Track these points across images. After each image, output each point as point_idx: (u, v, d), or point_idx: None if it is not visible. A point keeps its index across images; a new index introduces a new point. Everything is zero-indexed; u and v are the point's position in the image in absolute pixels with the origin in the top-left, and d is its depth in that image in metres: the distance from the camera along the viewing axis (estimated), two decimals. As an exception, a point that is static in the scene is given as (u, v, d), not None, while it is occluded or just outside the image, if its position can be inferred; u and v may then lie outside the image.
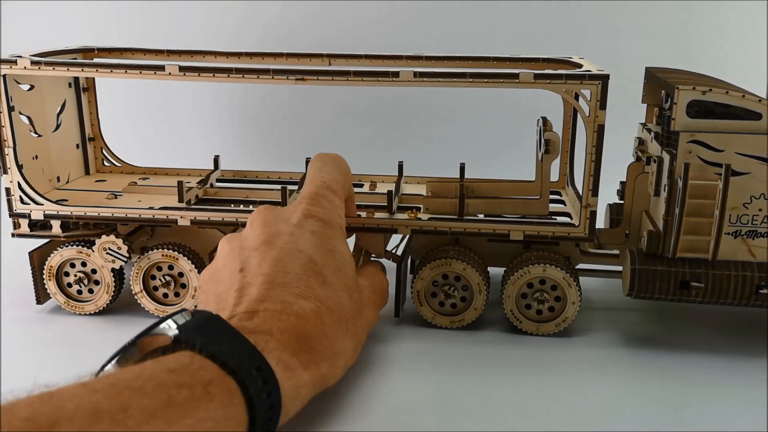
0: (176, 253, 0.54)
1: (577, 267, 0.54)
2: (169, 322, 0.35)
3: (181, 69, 0.51)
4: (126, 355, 0.34)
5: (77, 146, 0.65)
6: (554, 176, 0.62)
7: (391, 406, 0.44)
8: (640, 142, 0.56)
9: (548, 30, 0.92)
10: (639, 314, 0.58)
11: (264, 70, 0.50)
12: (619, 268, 0.54)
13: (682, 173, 0.47)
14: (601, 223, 0.62)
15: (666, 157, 0.48)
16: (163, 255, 0.54)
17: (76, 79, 0.64)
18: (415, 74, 0.49)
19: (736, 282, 0.48)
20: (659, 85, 0.54)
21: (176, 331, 0.34)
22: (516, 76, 0.48)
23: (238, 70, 0.51)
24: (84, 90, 0.65)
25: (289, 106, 0.96)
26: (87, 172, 0.66)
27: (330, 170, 0.48)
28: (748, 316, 0.56)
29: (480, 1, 0.92)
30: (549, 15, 0.92)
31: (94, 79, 0.65)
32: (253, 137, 0.98)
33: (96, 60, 0.61)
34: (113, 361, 0.34)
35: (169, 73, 0.51)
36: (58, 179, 0.62)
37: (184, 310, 0.36)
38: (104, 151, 0.67)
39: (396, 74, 0.49)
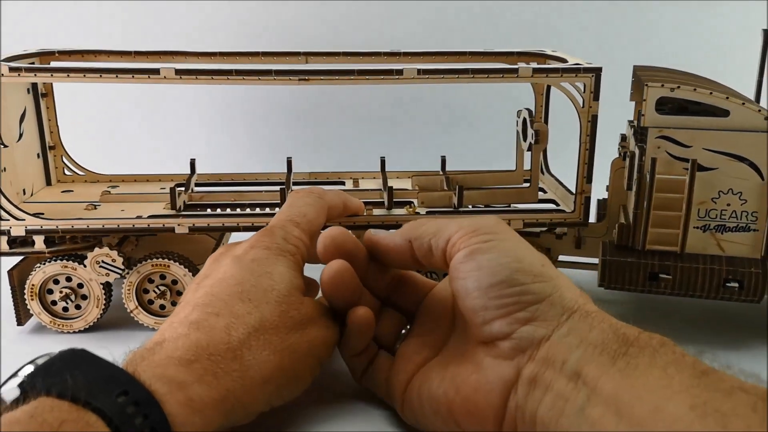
0: (167, 260, 0.53)
1: (558, 259, 0.56)
2: (25, 369, 0.33)
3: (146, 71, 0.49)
4: None
5: (38, 156, 0.61)
6: (527, 165, 0.65)
7: (390, 406, 0.43)
8: (623, 138, 0.59)
9: (548, 30, 0.93)
10: (625, 307, 0.58)
11: (255, 71, 0.50)
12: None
13: (649, 168, 0.49)
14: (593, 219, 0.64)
15: (636, 152, 0.50)
16: (153, 265, 0.53)
17: (34, 84, 0.60)
18: (419, 72, 0.49)
19: (703, 275, 0.49)
20: (639, 82, 0.57)
21: (22, 380, 0.32)
22: (515, 71, 0.50)
23: (209, 71, 0.50)
24: (42, 96, 0.61)
25: (258, 107, 0.94)
26: (48, 183, 0.63)
27: (299, 205, 0.49)
28: (746, 314, 0.56)
29: (481, 0, 0.93)
30: (547, 15, 0.93)
31: (51, 84, 0.61)
32: (222, 139, 0.95)
33: (53, 65, 0.58)
34: None
35: (150, 77, 0.50)
36: (24, 192, 0.58)
37: (45, 354, 0.34)
38: (65, 160, 0.64)
39: (400, 72, 0.49)
